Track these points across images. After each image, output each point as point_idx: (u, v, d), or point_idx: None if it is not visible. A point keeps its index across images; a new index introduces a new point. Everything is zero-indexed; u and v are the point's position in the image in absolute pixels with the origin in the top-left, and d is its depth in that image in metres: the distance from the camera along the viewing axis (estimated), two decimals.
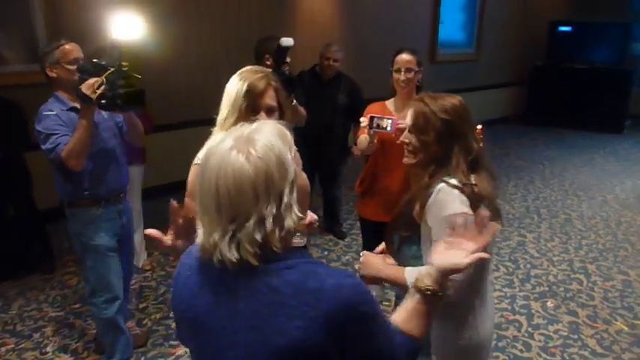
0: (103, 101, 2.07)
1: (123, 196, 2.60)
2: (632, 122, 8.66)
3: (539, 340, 3.03)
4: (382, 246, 1.79)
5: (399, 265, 1.60)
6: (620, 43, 8.41)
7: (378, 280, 1.62)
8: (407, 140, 1.62)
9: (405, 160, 1.65)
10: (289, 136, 1.00)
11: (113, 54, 2.15)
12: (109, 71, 2.06)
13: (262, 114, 1.63)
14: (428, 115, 1.54)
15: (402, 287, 1.52)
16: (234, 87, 1.65)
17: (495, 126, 8.07)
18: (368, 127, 2.32)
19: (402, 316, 1.14)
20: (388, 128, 2.27)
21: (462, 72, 8.06)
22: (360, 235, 3.06)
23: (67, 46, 2.31)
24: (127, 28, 2.14)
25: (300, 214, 0.96)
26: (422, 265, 1.52)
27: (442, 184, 1.50)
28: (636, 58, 8.37)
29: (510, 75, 9.08)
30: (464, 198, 1.47)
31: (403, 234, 1.60)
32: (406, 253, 1.60)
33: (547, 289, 3.62)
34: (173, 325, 3.05)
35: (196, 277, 1.03)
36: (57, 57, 2.30)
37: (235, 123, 1.59)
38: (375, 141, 2.44)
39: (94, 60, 2.16)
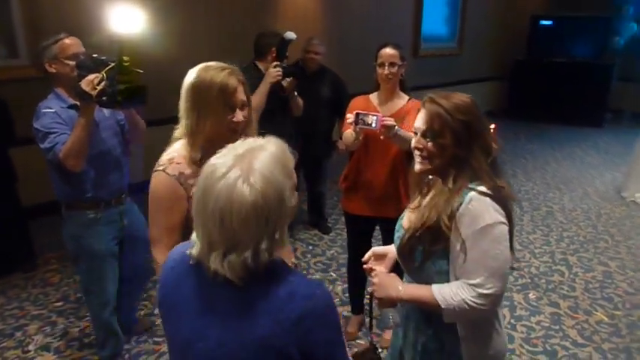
0: (104, 98, 1.99)
1: (124, 197, 2.51)
2: (612, 116, 8.80)
3: (522, 332, 3.08)
4: (370, 253, 1.74)
5: (420, 283, 1.51)
6: (600, 37, 8.51)
7: (395, 302, 1.54)
8: (420, 145, 1.47)
9: (419, 167, 1.50)
10: (291, 162, 1.04)
11: (113, 48, 2.01)
12: (108, 67, 1.97)
13: (237, 111, 1.59)
14: (443, 116, 1.42)
15: (430, 307, 1.45)
16: (203, 87, 1.55)
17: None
18: (354, 123, 2.31)
19: None
20: (373, 125, 2.27)
21: (444, 66, 8.10)
22: (345, 230, 3.06)
23: (66, 41, 2.21)
24: (127, 22, 2.04)
25: (286, 243, 1.04)
26: (447, 281, 1.45)
27: (472, 193, 1.39)
28: (616, 52, 8.48)
29: (492, 69, 9.15)
30: (497, 206, 1.38)
31: (429, 248, 1.44)
32: (430, 269, 1.47)
33: (529, 280, 3.67)
34: (158, 321, 3.04)
35: (180, 269, 1.10)
36: (55, 52, 2.20)
37: (212, 126, 1.56)
38: (361, 137, 2.45)
39: (94, 55, 2.08)
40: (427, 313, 1.54)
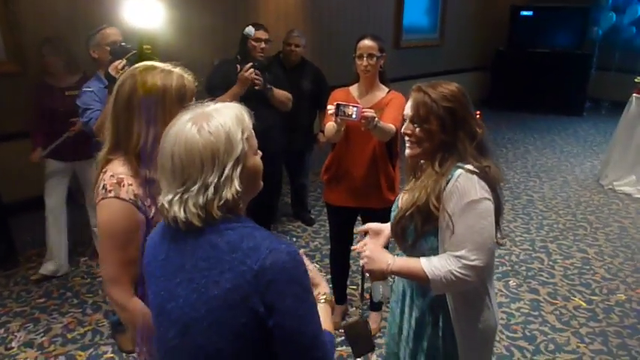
0: None
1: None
2: (592, 105, 8.92)
3: (502, 318, 3.14)
4: (365, 227, 1.79)
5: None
6: (579, 27, 8.60)
7: (385, 275, 1.60)
8: (409, 131, 1.57)
9: (409, 151, 1.60)
10: (247, 119, 1.11)
11: (135, 37, 2.30)
12: (131, 53, 2.27)
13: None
14: (429, 104, 1.51)
15: (419, 279, 1.51)
16: (155, 93, 1.37)
17: None
18: (335, 114, 2.33)
19: None
20: (354, 116, 2.28)
21: (426, 57, 8.13)
22: (327, 221, 3.09)
23: (107, 30, 2.57)
24: (147, 13, 2.25)
25: (239, 188, 1.04)
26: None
27: (459, 170, 1.48)
28: (595, 42, 8.58)
29: (474, 60, 9.20)
30: (483, 183, 1.46)
31: (420, 227, 1.52)
32: (423, 247, 1.55)
33: (510, 268, 3.74)
34: None
35: (158, 236, 1.16)
36: (97, 40, 2.57)
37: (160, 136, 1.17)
38: (342, 129, 2.46)
39: (122, 43, 2.41)
40: (423, 289, 1.60)
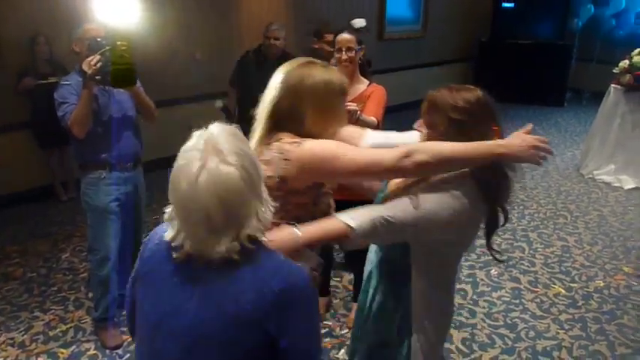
0: (98, 77, 2.35)
1: (130, 166, 2.74)
2: (573, 95, 9.02)
3: (484, 307, 3.18)
4: None
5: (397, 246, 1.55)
6: (559, 18, 8.67)
7: (299, 251, 1.45)
8: (419, 127, 1.55)
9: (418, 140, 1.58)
10: (241, 133, 1.10)
11: (112, 33, 2.32)
12: (104, 49, 2.31)
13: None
14: (438, 110, 1.45)
15: (336, 236, 1.40)
16: (330, 87, 1.50)
17: None
18: None
19: None
20: None
21: (409, 49, 8.15)
22: None
23: (88, 25, 2.57)
24: (122, 10, 2.29)
25: (273, 204, 1.08)
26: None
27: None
28: (575, 34, 8.67)
29: (457, 51, 9.24)
30: (470, 190, 1.45)
31: None
32: None
33: (491, 257, 3.75)
34: (123, 312, 3.02)
35: (164, 246, 1.10)
36: (79, 34, 2.56)
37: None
38: None
39: (98, 39, 2.40)
40: (388, 275, 1.62)
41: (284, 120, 1.51)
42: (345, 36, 2.54)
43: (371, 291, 1.70)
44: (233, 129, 1.08)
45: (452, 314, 1.72)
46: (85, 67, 2.36)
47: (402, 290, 1.59)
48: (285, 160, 1.44)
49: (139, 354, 1.16)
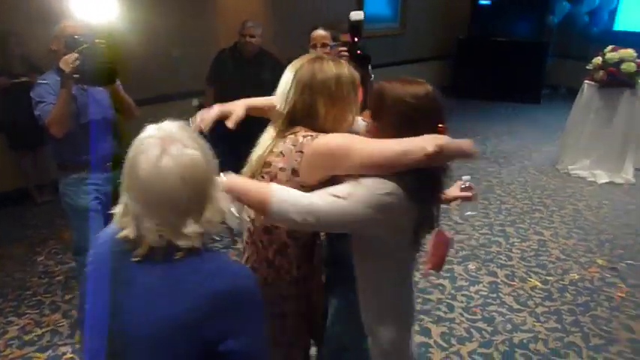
0: (76, 75, 2.31)
1: (110, 166, 2.72)
2: (549, 92, 9.15)
3: (462, 301, 3.21)
4: None
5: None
6: (536, 16, 8.78)
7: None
8: (367, 121, 1.56)
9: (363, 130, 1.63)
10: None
11: (90, 31, 2.35)
12: (83, 47, 2.27)
13: None
14: (385, 101, 1.45)
15: (255, 201, 1.37)
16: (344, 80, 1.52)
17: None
18: None
19: None
20: None
21: (387, 46, 8.17)
22: None
23: (66, 22, 2.51)
24: (103, 8, 2.32)
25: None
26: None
27: None
28: (551, 31, 8.79)
29: (435, 49, 9.30)
30: (393, 185, 1.39)
31: None
32: None
33: (469, 252, 3.82)
34: None
35: (109, 243, 1.10)
36: (57, 32, 2.51)
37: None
38: None
39: (75, 36, 2.36)
40: (339, 276, 1.61)
41: (299, 115, 1.52)
42: (320, 32, 2.55)
43: (329, 295, 1.71)
44: (184, 124, 1.10)
45: (409, 313, 1.63)
46: (62, 65, 2.32)
47: (350, 293, 1.57)
48: (299, 152, 1.44)
49: (84, 350, 1.15)
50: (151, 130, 1.05)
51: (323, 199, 1.35)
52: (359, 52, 2.61)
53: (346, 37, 2.98)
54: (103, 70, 2.29)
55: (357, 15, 2.67)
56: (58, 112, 2.42)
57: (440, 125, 1.44)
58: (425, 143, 1.35)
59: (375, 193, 1.35)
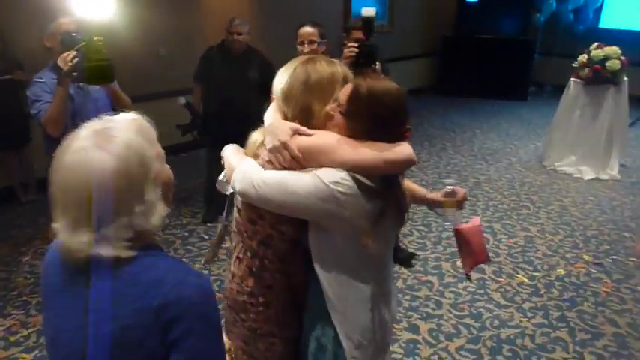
0: (74, 73, 2.30)
1: None
2: (535, 89, 9.24)
3: (450, 298, 3.23)
4: None
5: None
6: (522, 14, 8.86)
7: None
8: (331, 110, 1.51)
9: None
10: (152, 132, 1.02)
11: (86, 29, 2.33)
12: (81, 45, 2.26)
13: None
14: (361, 101, 1.43)
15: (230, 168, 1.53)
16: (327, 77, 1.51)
17: (409, 96, 8.33)
18: None
19: None
20: None
21: (376, 44, 8.19)
22: None
23: (61, 20, 2.51)
24: (98, 6, 2.31)
25: (163, 213, 0.97)
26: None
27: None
28: (537, 29, 8.86)
29: (423, 46, 9.34)
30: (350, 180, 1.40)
31: None
32: None
33: (457, 249, 3.83)
34: None
35: (58, 255, 1.02)
36: (52, 29, 2.50)
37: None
38: None
39: (73, 34, 2.35)
40: (315, 284, 1.58)
41: (293, 114, 1.51)
42: (307, 29, 2.55)
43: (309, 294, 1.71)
44: (142, 121, 1.02)
45: (371, 314, 1.56)
46: (61, 63, 2.31)
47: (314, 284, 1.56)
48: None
49: None
50: (94, 122, 0.98)
51: (271, 174, 1.42)
52: (367, 48, 2.59)
53: (359, 34, 2.97)
54: (102, 68, 2.27)
55: (368, 12, 2.65)
56: (54, 111, 2.40)
57: (407, 129, 1.48)
58: (408, 150, 1.42)
59: (324, 180, 1.36)
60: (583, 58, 5.38)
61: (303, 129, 1.46)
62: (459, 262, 3.63)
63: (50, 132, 2.43)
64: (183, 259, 3.46)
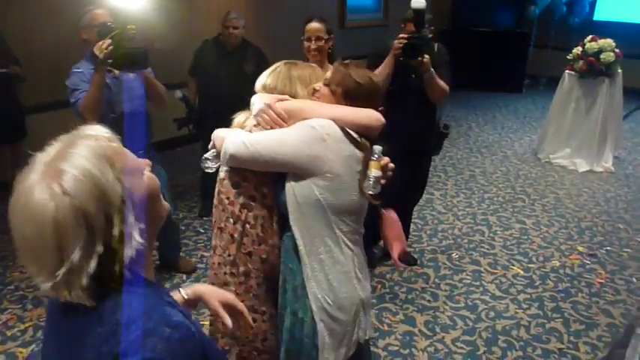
0: (109, 61, 2.38)
1: (142, 154, 2.67)
2: (530, 82, 9.25)
3: (445, 290, 3.25)
4: None
5: None
6: (518, 7, 8.86)
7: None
8: (317, 90, 1.70)
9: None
10: (117, 148, 0.91)
11: (119, 18, 2.44)
12: (114, 33, 2.35)
13: None
14: (345, 81, 1.64)
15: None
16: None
17: None
18: None
19: None
20: None
21: (371, 37, 8.16)
22: None
23: (96, 11, 2.57)
24: None
25: (141, 240, 0.84)
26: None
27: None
28: (532, 21, 8.86)
29: None
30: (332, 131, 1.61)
31: None
32: None
33: (452, 241, 3.86)
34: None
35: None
36: (87, 21, 2.56)
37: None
38: None
39: (108, 23, 2.43)
40: (292, 271, 1.67)
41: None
42: (315, 25, 2.56)
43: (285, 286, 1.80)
44: (103, 140, 0.89)
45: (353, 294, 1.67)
46: (96, 51, 2.37)
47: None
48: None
49: None
50: (50, 149, 0.86)
51: (261, 133, 1.58)
52: (414, 40, 2.54)
53: (411, 27, 2.95)
54: (134, 54, 2.39)
55: (418, 3, 2.59)
56: (91, 97, 2.48)
57: (380, 109, 1.68)
58: (378, 114, 1.62)
59: (312, 124, 1.54)
60: (577, 50, 5.39)
61: (286, 96, 1.66)
62: (454, 255, 3.66)
63: (87, 119, 2.48)
64: (181, 255, 3.46)
